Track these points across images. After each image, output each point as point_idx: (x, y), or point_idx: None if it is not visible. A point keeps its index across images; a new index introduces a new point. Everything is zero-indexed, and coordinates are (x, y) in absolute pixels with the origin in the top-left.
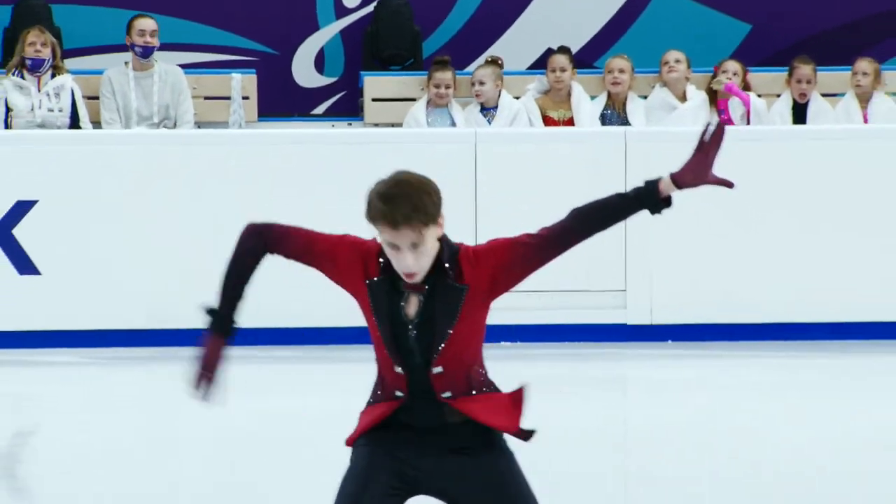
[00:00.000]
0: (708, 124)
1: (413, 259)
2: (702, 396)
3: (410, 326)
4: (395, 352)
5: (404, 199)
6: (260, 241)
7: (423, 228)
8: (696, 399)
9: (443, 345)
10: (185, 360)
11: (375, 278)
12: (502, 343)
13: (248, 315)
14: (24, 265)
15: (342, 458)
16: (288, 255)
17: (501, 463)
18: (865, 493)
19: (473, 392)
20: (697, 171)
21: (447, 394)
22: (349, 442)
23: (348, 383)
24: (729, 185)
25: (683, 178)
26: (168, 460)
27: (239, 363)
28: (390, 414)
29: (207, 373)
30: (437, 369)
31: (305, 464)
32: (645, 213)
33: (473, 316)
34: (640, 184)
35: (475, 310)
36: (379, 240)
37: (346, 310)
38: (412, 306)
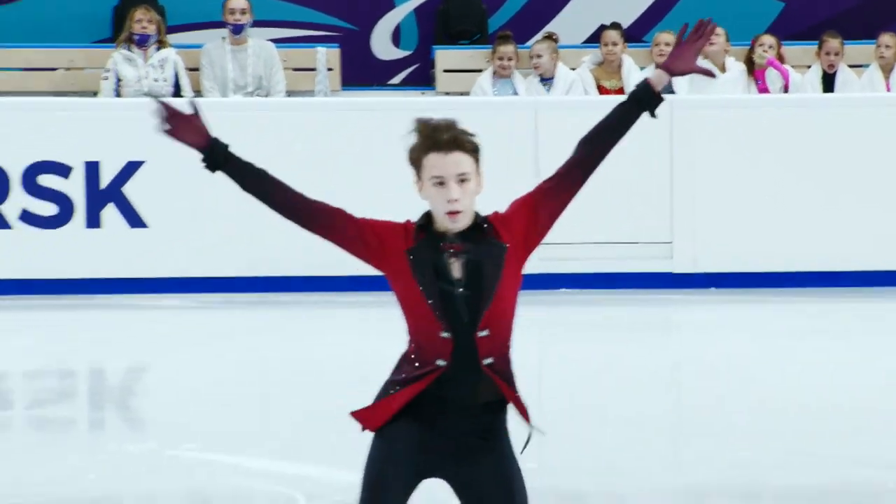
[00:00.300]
0: (695, 24)
1: (459, 192)
2: (742, 337)
3: (458, 287)
4: (444, 315)
5: (452, 128)
6: (298, 202)
7: (469, 159)
8: (737, 340)
9: (490, 304)
10: (281, 304)
11: (415, 244)
12: (561, 290)
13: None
14: (134, 220)
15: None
16: (317, 232)
17: (513, 464)
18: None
19: (510, 366)
20: (685, 58)
21: (489, 360)
22: (374, 427)
23: None
24: (710, 74)
25: (673, 65)
26: (265, 392)
27: (331, 307)
28: (426, 387)
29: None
30: (484, 332)
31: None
32: (647, 118)
33: (514, 275)
34: (634, 87)
35: (515, 269)
36: (421, 188)
37: None
38: (456, 269)
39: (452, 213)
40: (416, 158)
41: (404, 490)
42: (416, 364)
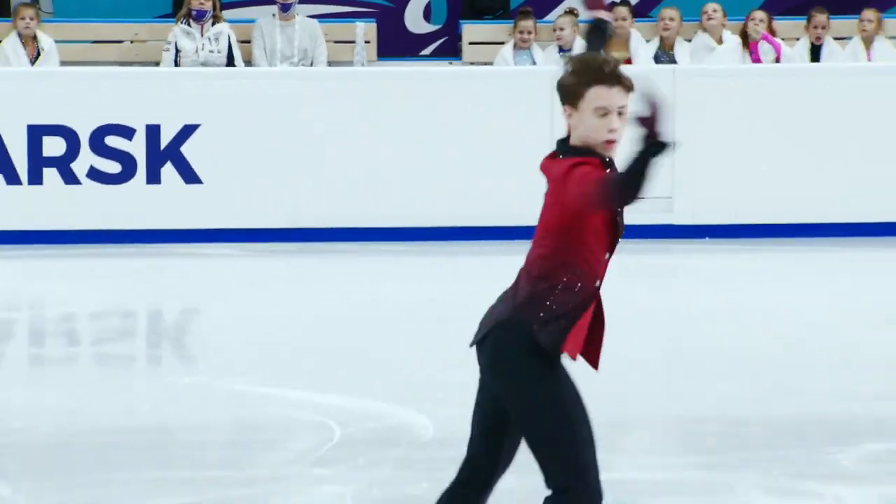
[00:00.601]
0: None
1: (619, 123)
2: (736, 283)
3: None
4: (611, 238)
5: (616, 64)
6: None
7: (629, 93)
8: (731, 285)
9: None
10: (320, 252)
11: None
12: None
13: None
14: (190, 176)
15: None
16: None
17: None
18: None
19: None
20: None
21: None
22: (574, 354)
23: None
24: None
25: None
26: (305, 331)
27: (365, 255)
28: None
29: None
30: (612, 254)
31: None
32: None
33: None
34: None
35: None
36: (572, 116)
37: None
38: None
39: (611, 143)
40: (576, 90)
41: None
42: (579, 286)
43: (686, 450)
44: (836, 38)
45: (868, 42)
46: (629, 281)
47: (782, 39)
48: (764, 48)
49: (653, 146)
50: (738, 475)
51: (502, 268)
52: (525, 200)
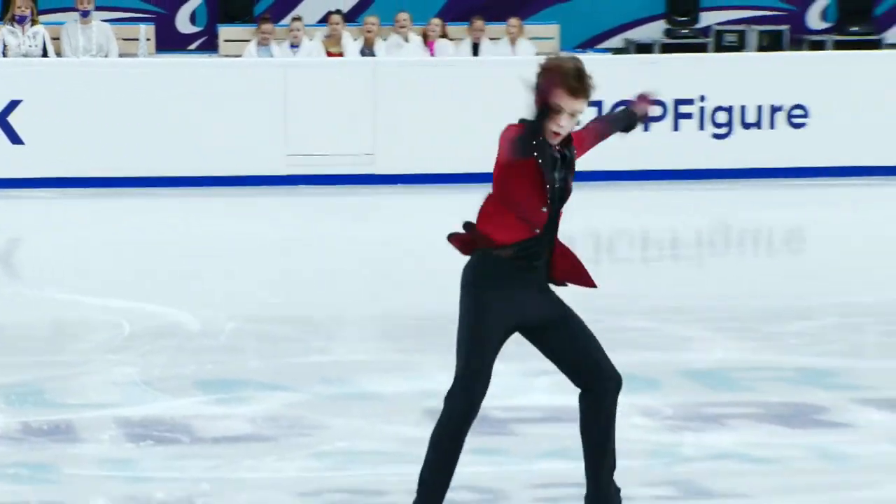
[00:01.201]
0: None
1: (569, 125)
2: (418, 218)
3: (558, 179)
4: (547, 197)
5: (587, 78)
6: None
7: (586, 104)
8: (415, 219)
9: (569, 193)
10: (110, 196)
11: (537, 155)
12: (299, 186)
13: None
14: (15, 139)
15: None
16: None
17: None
18: None
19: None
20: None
21: (558, 232)
22: (500, 243)
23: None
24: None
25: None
26: (107, 252)
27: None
28: (526, 241)
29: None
30: (562, 211)
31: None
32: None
33: None
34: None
35: None
36: (537, 104)
37: None
38: (557, 165)
39: (556, 134)
40: (549, 87)
41: (500, 343)
42: (516, 230)
43: (385, 338)
44: (490, 39)
45: (513, 41)
46: (338, 216)
47: (451, 39)
48: (439, 44)
49: (630, 118)
50: (424, 357)
51: (225, 207)
52: (251, 155)
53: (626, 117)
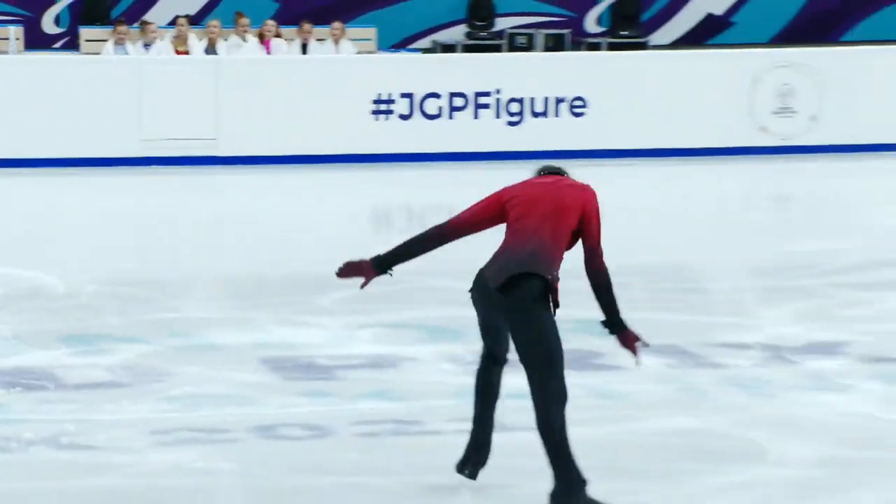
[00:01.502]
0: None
1: None
2: (252, 192)
3: None
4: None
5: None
6: (463, 228)
7: None
8: (252, 194)
9: None
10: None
11: None
12: (152, 166)
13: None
14: None
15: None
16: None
17: None
18: None
19: None
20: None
21: None
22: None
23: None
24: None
25: (622, 343)
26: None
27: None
28: None
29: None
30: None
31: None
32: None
33: None
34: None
35: None
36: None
37: None
38: None
39: None
40: None
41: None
42: None
43: (226, 297)
44: (317, 39)
45: (337, 41)
46: (186, 192)
47: (284, 39)
48: (274, 43)
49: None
50: (259, 313)
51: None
52: (110, 140)
53: (612, 326)
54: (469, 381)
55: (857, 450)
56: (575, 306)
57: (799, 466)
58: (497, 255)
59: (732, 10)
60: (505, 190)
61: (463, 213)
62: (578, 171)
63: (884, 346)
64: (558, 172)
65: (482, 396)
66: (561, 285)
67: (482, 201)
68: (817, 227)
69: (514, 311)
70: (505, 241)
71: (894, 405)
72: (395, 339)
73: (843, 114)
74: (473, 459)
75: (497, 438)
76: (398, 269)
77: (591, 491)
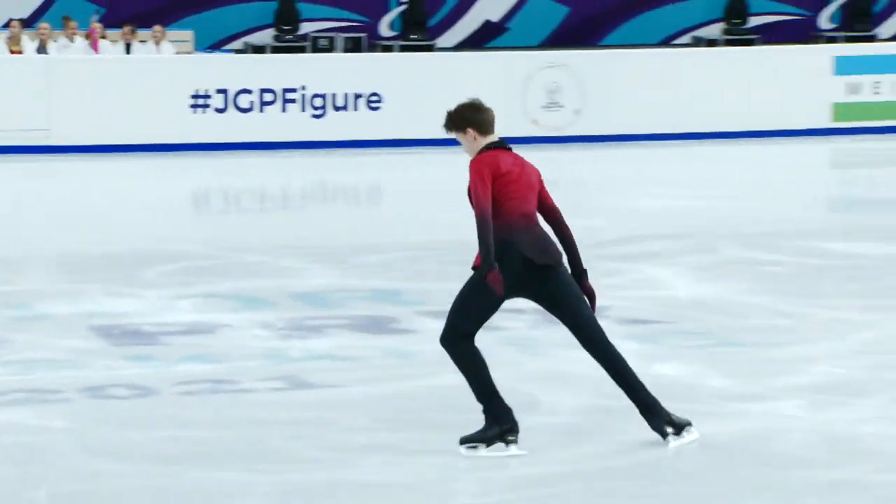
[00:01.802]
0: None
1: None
2: (97, 180)
3: None
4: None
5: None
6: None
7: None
8: (93, 180)
9: None
10: None
11: None
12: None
13: None
14: None
15: None
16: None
17: None
18: None
19: None
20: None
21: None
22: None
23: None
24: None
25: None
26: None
27: None
28: None
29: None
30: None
31: None
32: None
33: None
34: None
35: None
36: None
37: None
38: None
39: None
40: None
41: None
42: None
43: (59, 272)
44: (140, 41)
45: (157, 43)
46: (21, 178)
47: (110, 41)
48: (102, 44)
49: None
50: (89, 286)
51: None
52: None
53: (579, 276)
54: (278, 344)
55: (616, 399)
56: (371, 277)
57: (568, 414)
58: (536, 235)
59: (507, 17)
60: (487, 171)
61: (486, 200)
62: (375, 159)
63: (638, 310)
64: (503, 145)
65: (485, 368)
66: (354, 259)
67: (486, 186)
68: (581, 208)
69: (566, 282)
70: (531, 221)
71: (647, 360)
72: (212, 307)
73: (602, 108)
74: (515, 426)
75: (303, 396)
76: (215, 246)
77: (377, 440)
